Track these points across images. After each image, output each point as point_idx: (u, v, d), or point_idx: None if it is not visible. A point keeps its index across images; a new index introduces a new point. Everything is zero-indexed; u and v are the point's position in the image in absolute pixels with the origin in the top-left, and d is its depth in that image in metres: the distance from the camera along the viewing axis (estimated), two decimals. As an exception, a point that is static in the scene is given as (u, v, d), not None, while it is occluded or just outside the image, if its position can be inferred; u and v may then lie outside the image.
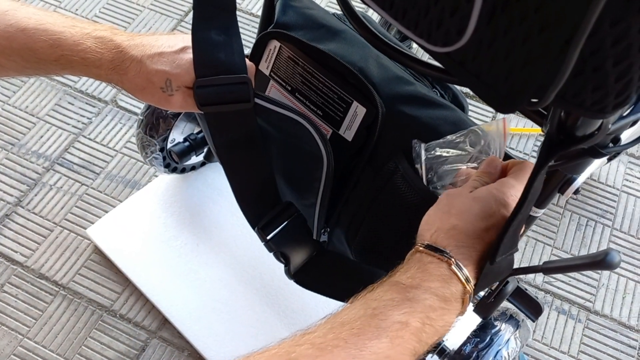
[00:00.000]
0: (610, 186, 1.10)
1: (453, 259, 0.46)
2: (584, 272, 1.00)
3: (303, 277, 0.74)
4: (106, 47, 0.56)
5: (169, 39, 0.59)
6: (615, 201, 1.08)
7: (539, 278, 0.99)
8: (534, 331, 0.94)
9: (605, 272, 1.00)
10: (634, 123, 0.67)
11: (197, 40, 0.58)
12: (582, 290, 0.99)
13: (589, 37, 0.33)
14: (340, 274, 0.74)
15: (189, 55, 0.57)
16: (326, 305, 0.90)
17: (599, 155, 0.56)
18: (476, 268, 0.47)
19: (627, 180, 1.11)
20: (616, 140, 0.59)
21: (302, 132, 0.67)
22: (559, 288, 0.99)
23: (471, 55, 0.38)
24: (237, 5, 1.13)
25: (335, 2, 0.54)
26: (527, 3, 0.33)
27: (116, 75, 0.57)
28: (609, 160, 1.08)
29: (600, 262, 0.56)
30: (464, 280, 0.45)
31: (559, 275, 0.99)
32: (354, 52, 0.71)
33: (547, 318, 0.96)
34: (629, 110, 0.55)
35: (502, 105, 0.39)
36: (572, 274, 1.00)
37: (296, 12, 0.75)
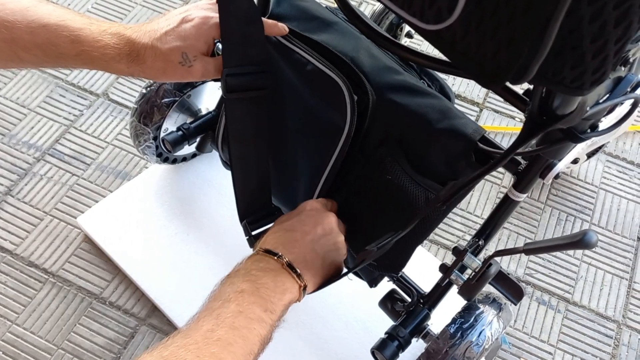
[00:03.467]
0: (589, 183, 1.14)
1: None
2: (563, 265, 1.03)
3: None
4: (122, 41, 0.59)
5: (166, 19, 0.61)
6: (593, 197, 1.12)
7: (520, 270, 1.02)
8: (515, 321, 0.97)
9: (584, 265, 1.04)
10: (610, 111, 0.71)
11: (225, 33, 0.62)
12: (561, 282, 1.02)
13: (568, 16, 0.36)
14: None
15: (190, 24, 0.61)
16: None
17: (578, 139, 0.59)
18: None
19: (605, 177, 1.15)
20: (594, 127, 0.63)
21: (334, 93, 0.69)
22: (539, 280, 1.02)
23: (460, 35, 0.41)
24: None
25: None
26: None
27: (136, 66, 0.59)
28: (589, 157, 1.12)
29: (579, 241, 0.59)
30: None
31: (540, 268, 1.03)
32: (346, 43, 0.74)
33: (528, 308, 0.99)
34: (605, 97, 0.59)
35: (490, 81, 0.42)
36: (552, 267, 1.03)
37: (290, 4, 0.78)
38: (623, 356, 0.95)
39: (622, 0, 0.35)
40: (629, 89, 0.59)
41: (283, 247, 0.60)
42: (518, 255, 1.03)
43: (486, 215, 0.95)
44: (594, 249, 1.06)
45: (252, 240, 0.75)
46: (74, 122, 1.14)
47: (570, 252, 1.04)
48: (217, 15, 0.62)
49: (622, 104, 0.73)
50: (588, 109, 0.53)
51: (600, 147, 1.09)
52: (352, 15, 0.68)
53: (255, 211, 0.76)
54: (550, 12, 0.35)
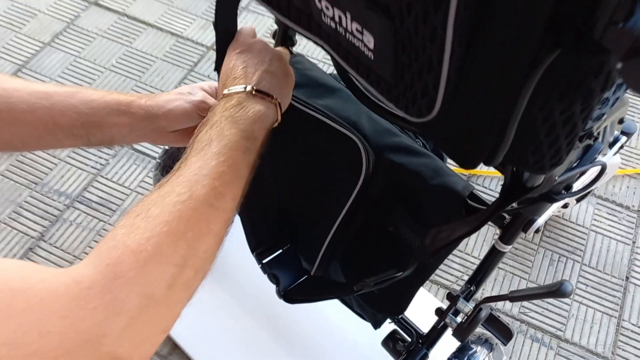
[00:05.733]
0: (580, 225, 1.21)
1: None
2: (555, 304, 1.10)
3: (290, 296, 0.85)
4: (134, 96, 0.66)
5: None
6: (584, 239, 1.19)
7: (515, 309, 1.09)
8: (510, 357, 1.04)
9: (575, 304, 1.10)
10: (581, 174, 0.79)
11: None
12: (553, 320, 1.09)
13: (525, 117, 0.45)
14: (324, 291, 0.86)
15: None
16: (321, 330, 1.00)
17: (552, 200, 0.67)
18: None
19: (595, 220, 1.22)
20: (568, 187, 0.71)
21: (348, 148, 0.77)
22: (533, 318, 1.09)
23: (439, 127, 0.50)
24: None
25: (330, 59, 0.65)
26: (478, 95, 0.44)
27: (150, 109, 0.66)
28: (578, 201, 1.20)
29: (556, 291, 0.67)
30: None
31: (533, 307, 1.09)
32: (349, 108, 0.83)
33: (522, 345, 1.05)
34: (575, 164, 0.67)
35: (464, 164, 0.51)
36: (544, 306, 1.10)
37: (300, 73, 0.87)
38: (613, 391, 1.02)
39: (566, 109, 0.43)
40: (596, 156, 0.67)
41: (244, 80, 0.62)
42: (513, 294, 1.10)
43: (483, 256, 1.02)
44: (585, 289, 1.13)
45: (265, 268, 0.83)
46: (100, 170, 1.24)
47: (563, 291, 1.11)
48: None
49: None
50: (557, 177, 0.62)
51: (588, 192, 1.16)
52: (353, 89, 0.77)
53: (263, 242, 0.85)
54: (508, 115, 0.44)
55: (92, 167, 1.24)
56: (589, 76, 0.40)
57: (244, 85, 0.60)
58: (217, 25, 0.68)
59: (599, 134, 0.80)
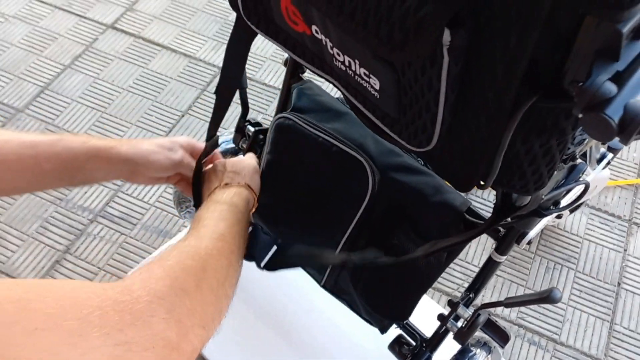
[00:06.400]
0: (574, 234, 1.28)
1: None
2: (551, 309, 1.17)
3: (270, 267, 0.92)
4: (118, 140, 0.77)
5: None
6: (578, 247, 1.26)
7: (513, 314, 1.16)
8: (509, 359, 1.10)
9: (570, 309, 1.17)
10: (568, 191, 0.86)
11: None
12: (549, 324, 1.16)
13: (511, 149, 0.52)
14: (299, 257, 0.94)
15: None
16: (331, 336, 1.07)
17: (541, 215, 0.74)
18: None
19: (588, 229, 1.29)
20: (556, 203, 0.78)
21: (355, 169, 0.84)
22: (530, 322, 1.15)
23: (437, 155, 0.57)
24: (251, 76, 1.34)
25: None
26: (469, 132, 0.51)
27: (132, 147, 0.76)
28: (572, 212, 1.27)
29: (547, 297, 0.74)
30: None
31: (530, 312, 1.16)
32: (355, 130, 0.90)
33: (520, 348, 1.12)
34: (562, 182, 0.74)
35: (460, 187, 0.58)
36: (541, 311, 1.17)
37: (309, 99, 0.95)
38: (606, 391, 1.08)
39: (544, 143, 0.50)
40: (581, 175, 0.75)
41: (238, 177, 0.79)
42: (511, 300, 1.17)
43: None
44: (579, 294, 1.20)
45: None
46: (121, 186, 1.31)
47: (558, 297, 1.18)
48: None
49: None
50: (544, 196, 0.69)
51: (581, 203, 1.23)
52: (360, 114, 0.84)
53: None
54: (496, 148, 0.51)
55: (113, 184, 1.32)
56: (561, 117, 0.47)
57: (239, 181, 0.78)
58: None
59: (584, 154, 0.87)
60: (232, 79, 0.79)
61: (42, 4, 1.64)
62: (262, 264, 0.91)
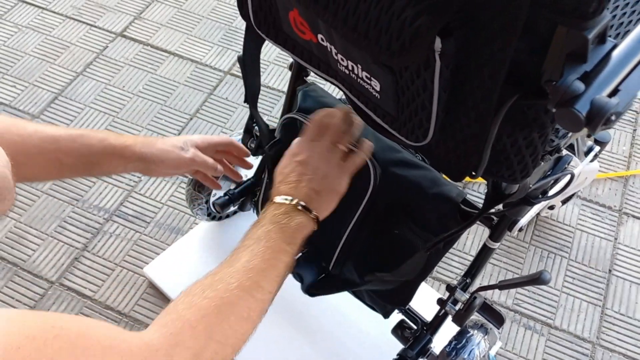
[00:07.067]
0: (567, 225, 1.34)
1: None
2: (545, 296, 1.23)
3: (312, 291, 0.98)
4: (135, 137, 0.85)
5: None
6: (571, 237, 1.33)
7: (509, 300, 1.23)
8: (506, 343, 1.17)
9: (563, 295, 1.24)
10: (556, 181, 0.92)
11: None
12: (544, 309, 1.22)
13: (498, 142, 0.58)
14: (339, 286, 1.01)
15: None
16: (337, 322, 1.13)
17: (530, 203, 0.81)
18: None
19: (580, 219, 1.36)
20: (545, 192, 0.85)
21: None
22: (525, 308, 1.22)
23: (433, 148, 0.64)
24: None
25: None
26: (460, 127, 0.58)
27: (147, 148, 0.84)
28: (564, 203, 1.33)
29: (537, 279, 0.81)
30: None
31: (525, 298, 1.23)
32: (357, 129, 0.97)
33: (516, 333, 1.19)
34: (549, 172, 0.81)
35: (454, 177, 0.65)
36: (535, 297, 1.23)
37: (313, 100, 1.01)
38: (599, 371, 1.14)
39: (527, 136, 0.57)
40: (566, 165, 0.81)
41: (294, 191, 0.73)
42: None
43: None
44: (572, 281, 1.26)
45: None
46: (134, 187, 1.38)
47: (552, 283, 1.25)
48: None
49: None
50: (532, 185, 0.75)
51: (572, 195, 1.30)
52: (361, 113, 0.90)
53: None
54: (484, 141, 0.57)
55: (127, 184, 1.38)
56: (540, 112, 0.54)
57: (292, 198, 0.73)
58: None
59: (572, 146, 0.93)
60: (254, 77, 0.87)
61: (54, 14, 1.70)
62: (306, 288, 0.98)
